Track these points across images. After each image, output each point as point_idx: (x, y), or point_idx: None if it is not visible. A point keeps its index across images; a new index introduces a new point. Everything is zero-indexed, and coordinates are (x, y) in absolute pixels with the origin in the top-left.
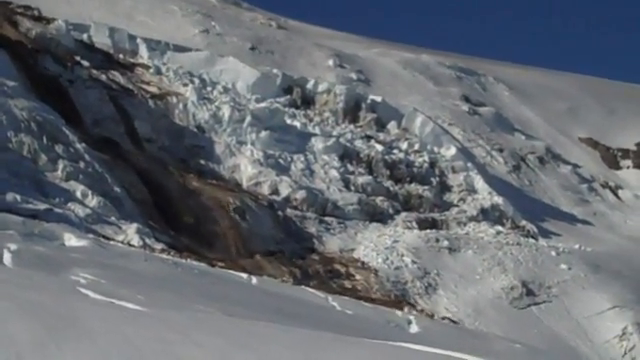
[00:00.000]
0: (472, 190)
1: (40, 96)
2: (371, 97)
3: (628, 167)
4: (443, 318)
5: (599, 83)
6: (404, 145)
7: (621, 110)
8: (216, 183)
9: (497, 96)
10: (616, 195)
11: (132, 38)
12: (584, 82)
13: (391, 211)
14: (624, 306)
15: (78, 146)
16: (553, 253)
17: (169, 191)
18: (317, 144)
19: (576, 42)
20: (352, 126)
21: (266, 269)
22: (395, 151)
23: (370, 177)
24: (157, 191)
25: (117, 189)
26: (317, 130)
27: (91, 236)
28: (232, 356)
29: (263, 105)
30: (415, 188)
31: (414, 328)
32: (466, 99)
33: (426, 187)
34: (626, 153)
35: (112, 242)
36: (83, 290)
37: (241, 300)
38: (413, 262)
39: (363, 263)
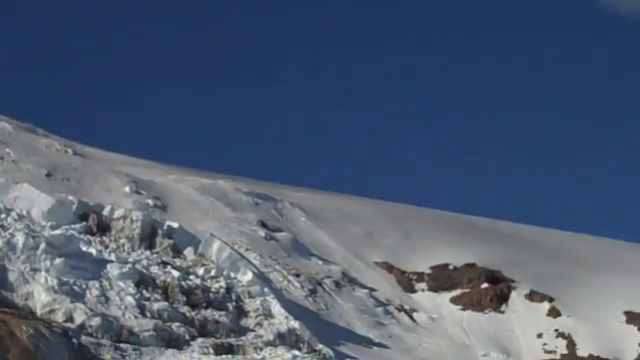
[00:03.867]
0: (269, 315)
1: None
2: (167, 223)
3: (423, 290)
4: None
5: (395, 207)
6: (201, 271)
7: (416, 234)
8: (9, 311)
9: (293, 221)
10: (411, 318)
11: None
12: (380, 206)
13: (187, 337)
14: None
15: None
16: None
17: None
18: (113, 270)
19: (371, 165)
20: (148, 252)
21: None
22: (192, 277)
23: (166, 303)
24: None
25: None
26: (113, 257)
27: None
28: None
29: (58, 232)
30: (211, 314)
31: None
32: (263, 224)
33: (222, 312)
34: (421, 276)
35: None
36: None
37: None
38: None
39: None
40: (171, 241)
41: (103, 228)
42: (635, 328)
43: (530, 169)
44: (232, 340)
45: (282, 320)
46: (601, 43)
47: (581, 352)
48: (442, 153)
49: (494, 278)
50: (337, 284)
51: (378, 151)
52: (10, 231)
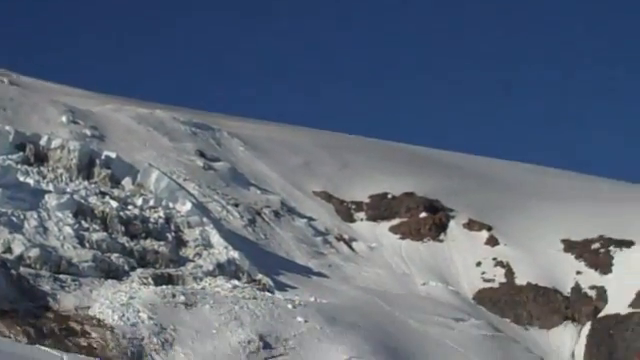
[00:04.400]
0: (208, 245)
1: None
2: (105, 153)
3: (362, 219)
4: None
5: (334, 137)
6: (139, 201)
7: (355, 164)
8: None
9: (232, 151)
10: (350, 247)
11: None
12: (319, 136)
13: (127, 267)
14: (360, 357)
15: None
16: (289, 306)
17: None
18: (51, 201)
19: (310, 95)
20: (86, 182)
21: None
22: (130, 207)
23: (105, 233)
24: None
25: None
26: (51, 187)
27: None
28: None
29: None
30: (151, 244)
31: None
32: (201, 154)
33: (162, 243)
34: (359, 205)
35: None
36: None
37: None
38: (149, 318)
39: (99, 320)
40: (109, 171)
41: (40, 158)
42: (572, 256)
43: (468, 98)
44: (171, 270)
45: (221, 250)
46: None
47: (519, 280)
48: (380, 81)
49: (433, 207)
50: (276, 214)
51: (316, 80)
52: None
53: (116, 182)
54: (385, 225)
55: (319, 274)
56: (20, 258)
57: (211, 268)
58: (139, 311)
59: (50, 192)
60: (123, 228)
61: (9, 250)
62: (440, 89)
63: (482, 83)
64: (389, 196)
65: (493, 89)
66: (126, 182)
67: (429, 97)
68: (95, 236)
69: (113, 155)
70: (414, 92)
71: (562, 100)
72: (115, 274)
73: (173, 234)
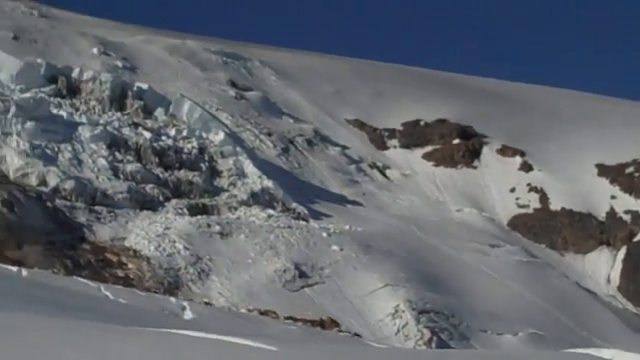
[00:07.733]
0: (242, 174)
1: None
2: (137, 84)
3: (395, 147)
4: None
5: (366, 65)
6: (172, 132)
7: (387, 91)
8: None
9: (264, 80)
10: (384, 175)
11: None
12: (351, 64)
13: (161, 198)
14: (395, 285)
15: None
16: (324, 234)
17: None
18: (84, 133)
19: (341, 22)
20: (119, 114)
21: (37, 261)
22: (163, 138)
23: (139, 165)
24: None
25: None
26: (84, 119)
27: None
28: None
29: (28, 95)
30: (185, 174)
31: (188, 314)
32: (233, 84)
33: (196, 173)
34: (392, 133)
35: None
36: None
37: (10, 292)
38: (185, 248)
39: (135, 251)
40: (141, 102)
41: (73, 90)
42: (607, 181)
43: (500, 23)
44: (206, 200)
45: (255, 179)
46: None
47: (554, 206)
48: (411, 8)
49: (465, 133)
50: (309, 142)
51: (348, 8)
52: None
53: (149, 113)
54: (418, 152)
55: (353, 202)
56: (55, 190)
57: (245, 197)
58: (175, 242)
59: (83, 124)
60: (157, 159)
61: (44, 183)
62: (473, 16)
63: (514, 9)
64: (422, 123)
65: (525, 14)
66: (159, 113)
67: (461, 24)
68: (129, 167)
69: (145, 86)
70: (446, 19)
71: (599, 22)
72: (150, 205)
73: (207, 164)
